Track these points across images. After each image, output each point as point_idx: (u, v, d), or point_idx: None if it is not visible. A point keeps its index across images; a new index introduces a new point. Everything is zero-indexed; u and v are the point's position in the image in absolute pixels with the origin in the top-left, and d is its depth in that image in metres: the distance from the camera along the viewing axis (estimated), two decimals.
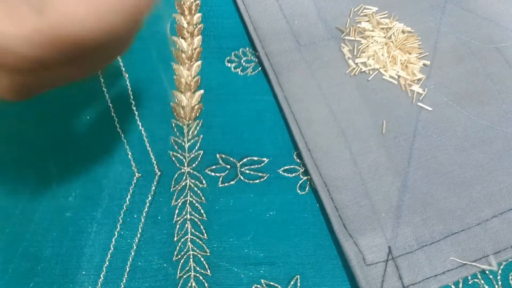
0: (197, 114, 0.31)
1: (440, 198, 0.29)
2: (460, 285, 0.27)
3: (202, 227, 0.28)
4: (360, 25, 0.34)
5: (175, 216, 0.28)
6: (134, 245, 0.27)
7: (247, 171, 0.30)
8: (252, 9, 0.34)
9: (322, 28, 0.34)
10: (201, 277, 0.27)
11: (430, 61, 0.33)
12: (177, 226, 0.28)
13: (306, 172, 0.30)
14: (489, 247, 0.27)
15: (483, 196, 0.29)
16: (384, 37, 0.33)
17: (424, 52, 0.33)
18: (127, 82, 0.32)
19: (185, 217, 0.28)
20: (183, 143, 0.30)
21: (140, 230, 0.28)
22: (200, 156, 0.30)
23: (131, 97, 0.31)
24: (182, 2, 0.34)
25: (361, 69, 0.32)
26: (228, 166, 0.30)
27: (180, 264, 0.27)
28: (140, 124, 0.30)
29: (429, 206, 0.28)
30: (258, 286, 0.27)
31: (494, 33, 0.34)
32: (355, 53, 0.33)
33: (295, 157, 0.30)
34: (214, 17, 0.35)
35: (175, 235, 0.28)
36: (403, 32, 0.33)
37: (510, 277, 0.27)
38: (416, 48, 0.33)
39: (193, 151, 0.30)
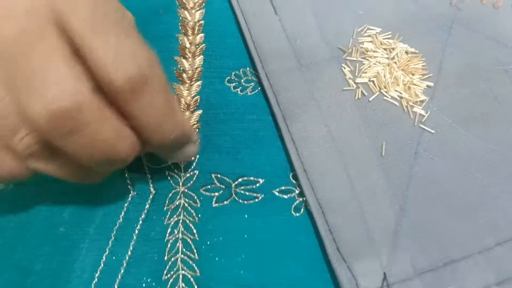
0: None
1: (440, 223, 0.27)
2: None
3: (193, 246, 0.28)
4: (363, 45, 0.33)
5: (167, 235, 0.28)
6: (124, 262, 0.27)
7: (242, 191, 0.29)
8: (253, 27, 0.34)
9: (324, 48, 0.34)
10: None
11: (434, 82, 0.32)
12: (169, 245, 0.28)
13: (301, 194, 0.29)
14: (492, 276, 0.26)
15: (487, 223, 0.27)
16: (387, 57, 0.33)
17: (428, 73, 0.32)
18: None
19: (177, 236, 0.28)
20: (179, 163, 0.30)
21: (131, 248, 0.27)
22: (195, 175, 0.30)
23: None
24: (185, 23, 0.35)
25: (362, 90, 0.32)
26: (223, 186, 0.29)
27: (169, 283, 0.27)
28: None
29: (428, 231, 0.27)
30: None
31: (501, 54, 0.33)
32: (356, 74, 0.32)
33: (291, 178, 0.30)
34: (217, 37, 0.35)
35: (166, 253, 0.27)
36: (406, 52, 0.33)
37: None
38: (419, 69, 0.32)
39: (189, 171, 0.30)
